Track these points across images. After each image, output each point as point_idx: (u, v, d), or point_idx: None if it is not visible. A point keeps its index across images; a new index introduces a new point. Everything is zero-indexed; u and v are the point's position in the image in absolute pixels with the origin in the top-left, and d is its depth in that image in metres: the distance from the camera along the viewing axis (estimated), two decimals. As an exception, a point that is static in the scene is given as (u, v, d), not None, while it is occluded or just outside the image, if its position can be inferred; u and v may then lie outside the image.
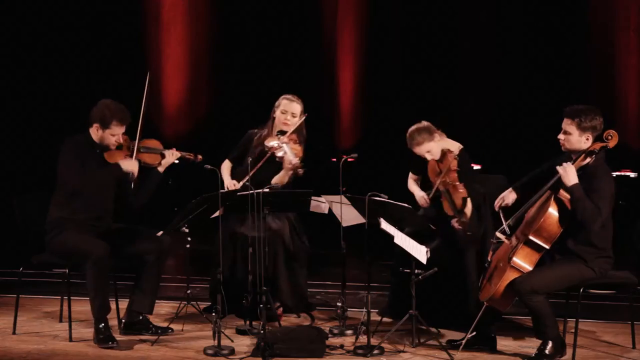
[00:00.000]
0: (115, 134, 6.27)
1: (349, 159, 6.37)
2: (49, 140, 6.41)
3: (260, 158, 6.78)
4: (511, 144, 11.01)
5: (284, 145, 6.76)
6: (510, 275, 5.71)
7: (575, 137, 5.76)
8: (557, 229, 5.70)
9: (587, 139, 5.75)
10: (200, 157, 6.58)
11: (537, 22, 11.43)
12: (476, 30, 11.66)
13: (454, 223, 6.41)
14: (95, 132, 6.30)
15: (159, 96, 12.32)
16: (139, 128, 6.38)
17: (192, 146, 11.14)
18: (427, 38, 11.78)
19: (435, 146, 6.60)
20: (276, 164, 6.81)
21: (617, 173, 10.77)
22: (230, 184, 6.85)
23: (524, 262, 5.74)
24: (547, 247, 5.72)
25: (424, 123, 6.66)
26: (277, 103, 6.98)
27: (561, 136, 5.81)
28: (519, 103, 11.27)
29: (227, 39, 12.21)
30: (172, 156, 6.48)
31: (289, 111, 6.92)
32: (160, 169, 6.48)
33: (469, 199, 6.36)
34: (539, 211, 5.77)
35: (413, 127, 6.65)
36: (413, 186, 6.85)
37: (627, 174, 10.85)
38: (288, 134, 6.82)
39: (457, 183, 6.41)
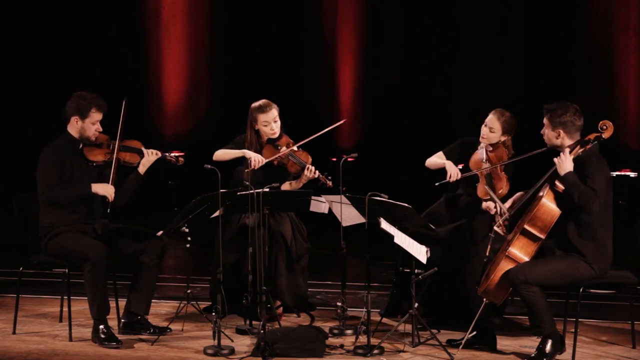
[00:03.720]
0: (95, 122, 6.28)
1: (349, 159, 6.37)
2: (49, 140, 6.40)
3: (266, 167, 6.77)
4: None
5: (290, 156, 6.77)
6: (505, 266, 5.73)
7: (549, 132, 5.84)
8: (551, 218, 5.72)
9: (559, 135, 5.80)
10: (182, 160, 6.55)
11: (536, 21, 11.43)
12: (476, 30, 11.66)
13: (489, 206, 6.38)
14: (74, 126, 6.30)
15: (159, 96, 12.33)
16: (119, 133, 6.34)
17: (192, 146, 11.20)
18: (426, 38, 11.78)
19: (500, 133, 6.56)
20: (276, 168, 6.83)
21: (617, 173, 10.77)
22: (258, 156, 6.72)
23: (520, 252, 5.76)
24: (542, 237, 5.74)
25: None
26: (251, 117, 6.87)
27: (543, 130, 5.91)
28: (519, 103, 11.25)
29: (227, 38, 12.21)
30: (152, 156, 6.43)
31: (270, 120, 6.83)
32: (141, 169, 6.43)
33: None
34: (534, 201, 5.80)
35: (510, 113, 6.64)
36: (437, 159, 6.73)
37: (627, 174, 10.85)
38: (281, 140, 6.84)
39: (502, 173, 6.47)
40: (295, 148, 6.84)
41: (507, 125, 6.58)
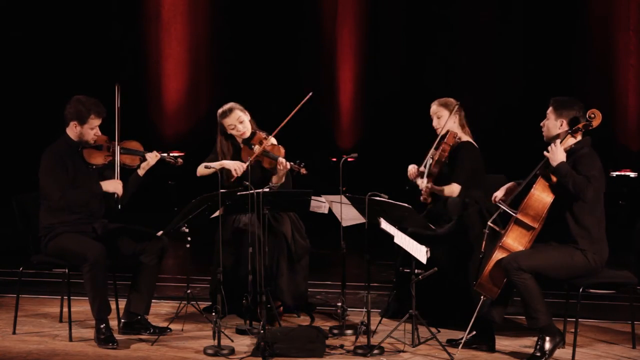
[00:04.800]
0: (93, 128, 6.28)
1: (349, 159, 6.37)
2: (49, 140, 6.41)
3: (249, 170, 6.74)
4: (511, 143, 11.02)
5: (264, 153, 6.76)
6: (499, 256, 5.76)
7: (552, 122, 5.90)
8: (543, 206, 5.76)
9: (562, 125, 5.86)
10: (180, 161, 6.56)
11: (536, 22, 11.44)
12: (476, 30, 11.67)
13: (419, 180, 6.61)
14: (73, 130, 6.30)
15: (159, 96, 12.34)
16: (116, 130, 6.34)
17: (192, 146, 11.21)
18: (426, 38, 11.78)
19: (447, 118, 6.70)
20: (258, 166, 6.82)
21: (617, 173, 10.78)
22: (237, 164, 6.72)
23: (514, 242, 5.79)
24: (535, 226, 5.76)
25: (454, 100, 6.82)
26: (219, 125, 6.89)
27: (543, 122, 5.94)
28: (519, 103, 11.28)
29: (227, 38, 12.22)
30: (152, 158, 6.43)
31: (235, 123, 6.84)
32: (140, 171, 6.44)
33: (454, 186, 6.60)
34: (526, 192, 5.82)
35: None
36: None
37: (627, 174, 10.85)
38: (254, 138, 6.83)
39: (444, 153, 6.61)
40: (269, 142, 6.79)
41: (442, 101, 6.80)
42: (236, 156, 6.88)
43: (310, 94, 6.78)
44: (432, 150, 6.70)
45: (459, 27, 11.73)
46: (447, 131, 6.72)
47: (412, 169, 6.84)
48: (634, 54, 11.26)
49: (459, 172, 6.64)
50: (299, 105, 6.75)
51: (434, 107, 6.80)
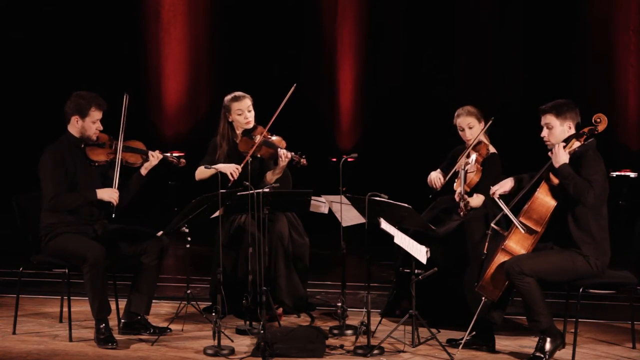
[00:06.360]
0: (95, 121, 6.28)
1: (349, 159, 6.37)
2: (49, 141, 6.41)
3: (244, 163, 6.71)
4: (511, 143, 11.01)
5: (264, 144, 6.76)
6: (501, 259, 5.76)
7: (558, 128, 5.83)
8: (546, 210, 5.74)
9: (570, 128, 5.83)
10: (183, 161, 6.56)
11: (536, 22, 11.44)
12: (476, 30, 11.67)
13: (457, 196, 6.46)
14: (74, 126, 6.30)
15: (159, 96, 12.34)
16: (121, 128, 6.34)
17: (192, 146, 11.21)
18: (426, 38, 11.78)
19: (478, 129, 6.64)
20: (257, 161, 6.81)
21: (617, 173, 10.78)
22: (232, 168, 6.73)
23: (516, 246, 5.79)
24: (537, 230, 5.76)
25: (473, 107, 6.72)
26: (225, 108, 6.90)
27: (544, 133, 5.90)
28: (519, 103, 11.27)
29: (227, 38, 12.22)
30: (154, 158, 6.43)
31: (244, 109, 6.87)
32: (143, 171, 6.44)
33: (480, 197, 6.49)
34: (529, 195, 5.82)
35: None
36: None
37: (627, 174, 10.85)
38: (256, 131, 6.84)
39: (478, 167, 6.50)
40: (269, 136, 6.81)
41: (472, 111, 6.68)
42: (234, 147, 6.88)
43: (295, 85, 6.79)
44: (463, 159, 6.61)
45: (459, 27, 11.73)
46: (480, 142, 6.68)
47: (436, 179, 6.70)
48: (634, 54, 11.26)
49: (484, 184, 6.55)
50: (286, 98, 6.75)
51: (464, 118, 6.64)
